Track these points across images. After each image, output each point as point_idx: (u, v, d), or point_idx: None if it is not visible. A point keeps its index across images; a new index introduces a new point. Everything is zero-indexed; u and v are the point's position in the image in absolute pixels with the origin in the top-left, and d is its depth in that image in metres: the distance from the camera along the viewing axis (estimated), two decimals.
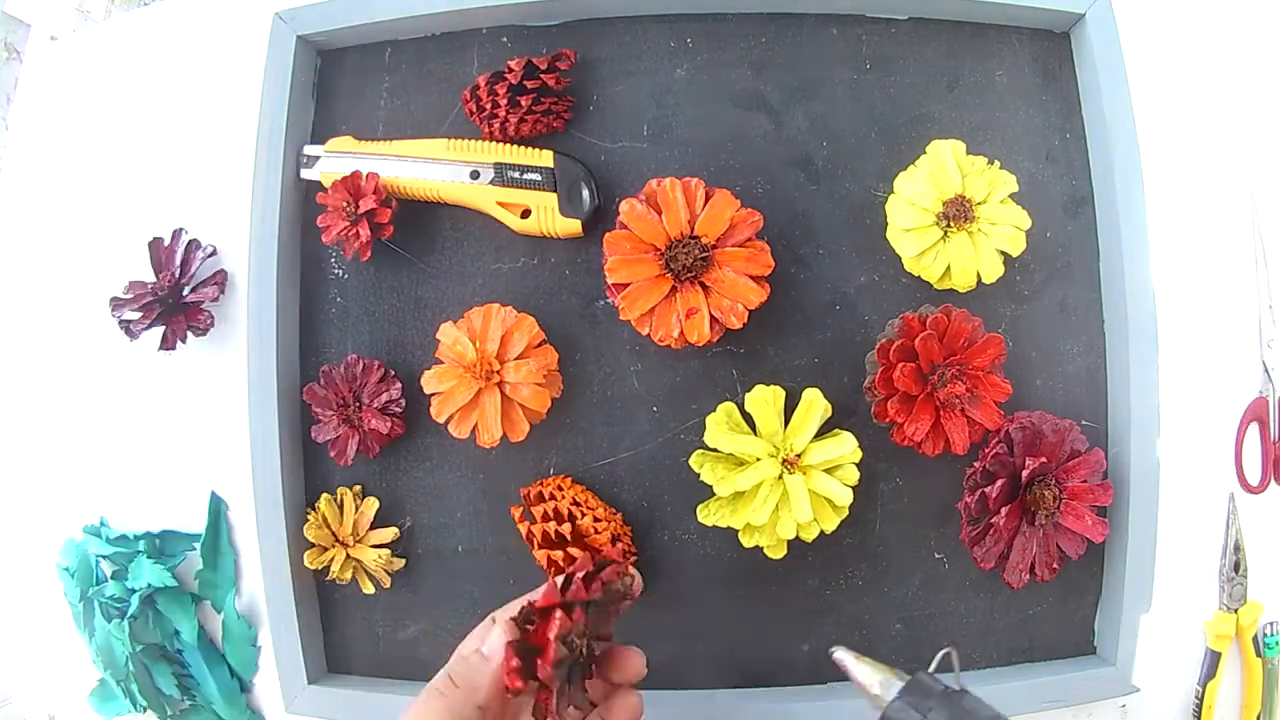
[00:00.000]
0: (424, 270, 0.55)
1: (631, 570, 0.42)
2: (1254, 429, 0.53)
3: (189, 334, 0.55)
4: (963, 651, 0.53)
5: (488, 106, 0.52)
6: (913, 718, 0.34)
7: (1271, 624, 0.53)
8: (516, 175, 0.52)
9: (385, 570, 0.53)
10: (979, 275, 0.50)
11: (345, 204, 0.51)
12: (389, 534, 0.54)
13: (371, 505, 0.54)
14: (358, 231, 0.51)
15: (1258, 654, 0.53)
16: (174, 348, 0.55)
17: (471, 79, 0.53)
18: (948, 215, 0.49)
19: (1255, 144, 0.54)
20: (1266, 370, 0.53)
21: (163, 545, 0.57)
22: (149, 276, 0.56)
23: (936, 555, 0.53)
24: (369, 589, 0.54)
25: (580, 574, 0.38)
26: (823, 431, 0.49)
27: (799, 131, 0.53)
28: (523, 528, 0.51)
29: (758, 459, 0.48)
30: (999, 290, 0.52)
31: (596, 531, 0.49)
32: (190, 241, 0.56)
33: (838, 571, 0.53)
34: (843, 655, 0.38)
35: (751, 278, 0.47)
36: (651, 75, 0.54)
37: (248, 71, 0.55)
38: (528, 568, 0.52)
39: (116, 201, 0.59)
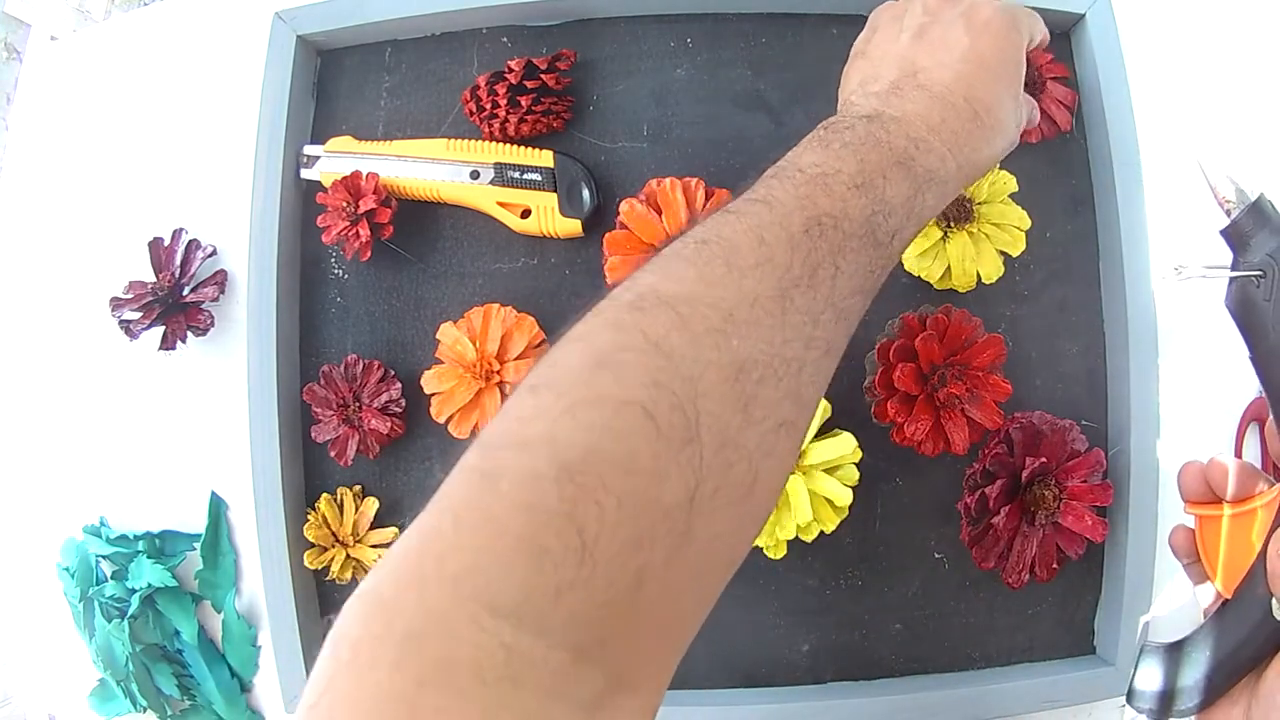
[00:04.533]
0: (424, 270, 0.55)
1: None
2: (1254, 429, 0.53)
3: (189, 334, 0.55)
4: (963, 651, 0.53)
5: (488, 106, 0.52)
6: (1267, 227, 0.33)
7: None
8: (516, 175, 0.52)
9: None
10: (979, 275, 0.50)
11: (345, 204, 0.51)
12: (389, 534, 0.54)
13: (371, 505, 0.54)
14: (358, 231, 0.51)
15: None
16: (174, 348, 0.55)
17: (471, 79, 0.53)
18: (948, 215, 0.49)
19: (1255, 144, 0.54)
20: None
21: (163, 545, 0.57)
22: (149, 276, 0.56)
23: (936, 555, 0.53)
24: None
25: None
26: (823, 431, 0.49)
27: (799, 131, 0.53)
28: None
29: None
30: (999, 290, 0.52)
31: None
32: (190, 241, 0.56)
33: (838, 571, 0.52)
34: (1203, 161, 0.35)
35: None
36: (651, 75, 0.54)
37: (248, 71, 0.55)
38: None
39: (116, 201, 0.59)
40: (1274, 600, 0.32)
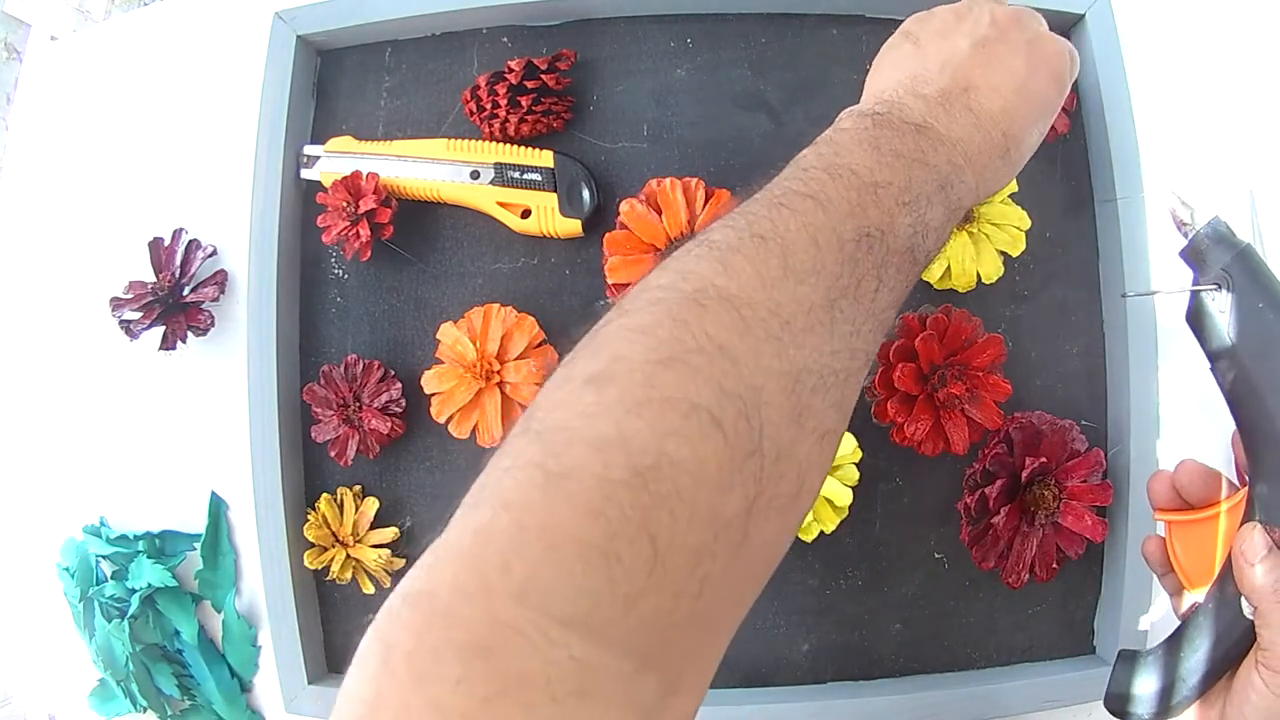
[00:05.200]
0: (424, 270, 0.55)
1: None
2: None
3: (189, 334, 0.55)
4: (963, 651, 0.53)
5: (488, 106, 0.52)
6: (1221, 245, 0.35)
7: None
8: (516, 175, 0.52)
9: (385, 570, 0.53)
10: (979, 275, 0.50)
11: (345, 204, 0.51)
12: (389, 534, 0.54)
13: (371, 505, 0.54)
14: (358, 231, 0.51)
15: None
16: (174, 348, 0.55)
17: (471, 79, 0.53)
18: None
19: (1255, 144, 0.54)
20: None
21: (163, 545, 0.57)
22: (149, 276, 0.56)
23: (936, 555, 0.53)
24: (369, 589, 0.54)
25: None
26: None
27: (799, 131, 0.53)
28: None
29: None
30: (999, 290, 0.52)
31: None
32: (190, 241, 0.56)
33: (838, 571, 0.53)
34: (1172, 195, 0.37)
35: None
36: (651, 75, 0.54)
37: (248, 71, 0.55)
38: None
39: (116, 201, 0.59)
40: (1243, 599, 0.32)
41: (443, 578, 0.21)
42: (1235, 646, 0.33)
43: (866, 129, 0.31)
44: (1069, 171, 0.53)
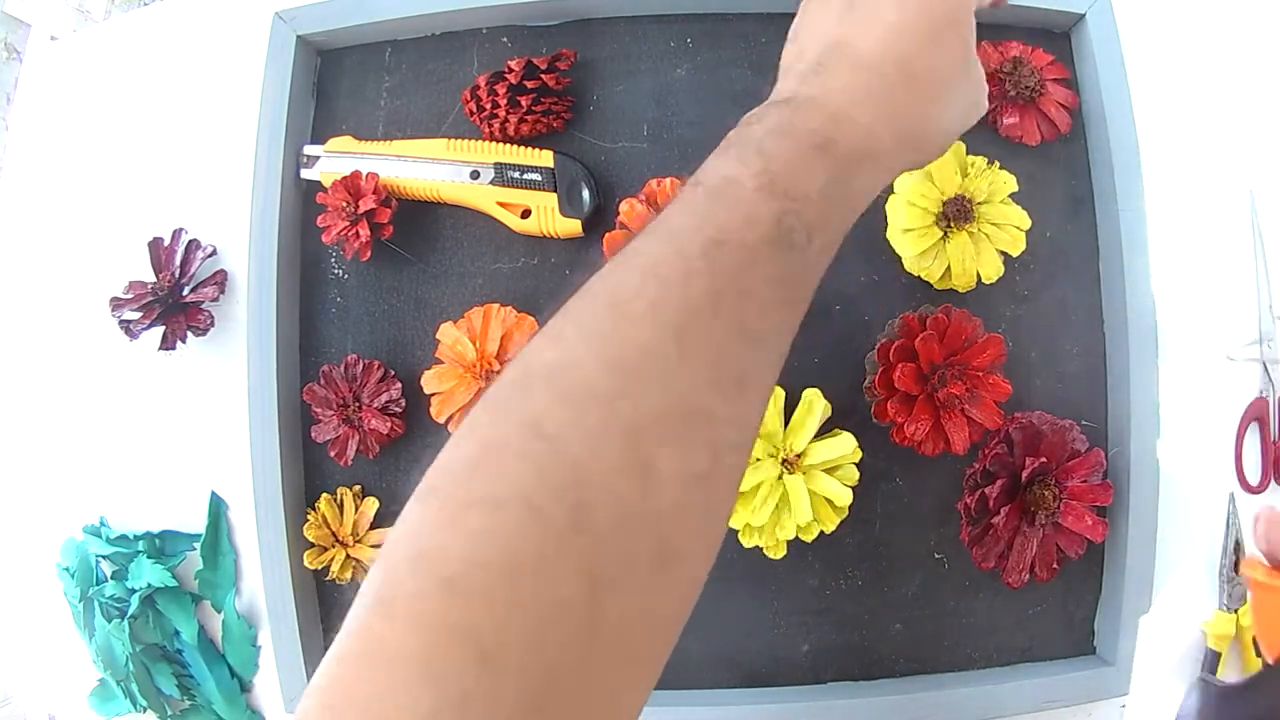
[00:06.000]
0: (424, 270, 0.55)
1: None
2: (1254, 429, 0.53)
3: (189, 334, 0.55)
4: (962, 651, 0.53)
5: (488, 106, 0.52)
6: None
7: None
8: (516, 175, 0.52)
9: None
10: (979, 275, 0.50)
11: (345, 204, 0.51)
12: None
13: (371, 505, 0.54)
14: (358, 231, 0.51)
15: (1257, 654, 0.53)
16: (174, 348, 0.55)
17: (471, 79, 0.53)
18: (948, 215, 0.49)
19: (1255, 144, 0.54)
20: (1266, 370, 0.53)
21: (163, 545, 0.57)
22: (149, 276, 0.56)
23: (936, 555, 0.53)
24: None
25: None
26: (823, 431, 0.49)
27: None
28: None
29: (757, 459, 0.48)
30: (999, 290, 0.52)
31: None
32: (190, 241, 0.56)
33: (838, 571, 0.52)
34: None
35: None
36: (651, 75, 0.54)
37: (248, 71, 0.55)
38: None
39: (116, 201, 0.59)
40: None
41: (303, 707, 0.22)
42: None
43: (728, 136, 0.29)
44: (1069, 171, 0.53)
